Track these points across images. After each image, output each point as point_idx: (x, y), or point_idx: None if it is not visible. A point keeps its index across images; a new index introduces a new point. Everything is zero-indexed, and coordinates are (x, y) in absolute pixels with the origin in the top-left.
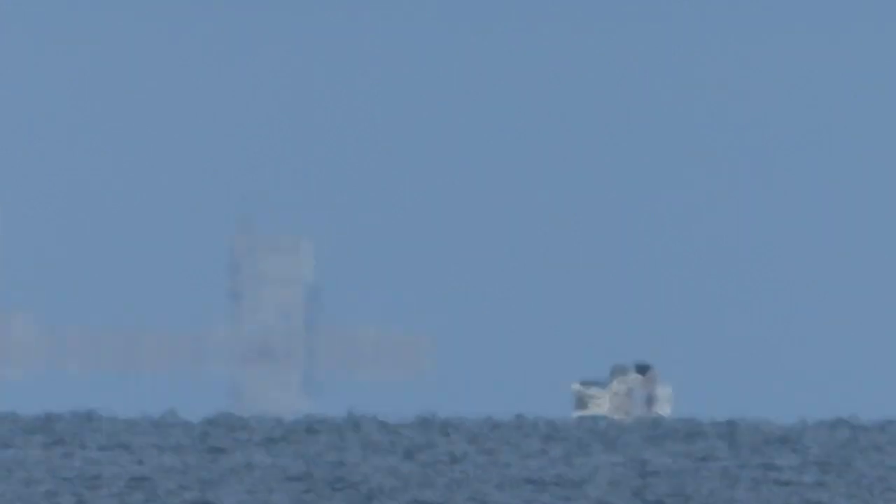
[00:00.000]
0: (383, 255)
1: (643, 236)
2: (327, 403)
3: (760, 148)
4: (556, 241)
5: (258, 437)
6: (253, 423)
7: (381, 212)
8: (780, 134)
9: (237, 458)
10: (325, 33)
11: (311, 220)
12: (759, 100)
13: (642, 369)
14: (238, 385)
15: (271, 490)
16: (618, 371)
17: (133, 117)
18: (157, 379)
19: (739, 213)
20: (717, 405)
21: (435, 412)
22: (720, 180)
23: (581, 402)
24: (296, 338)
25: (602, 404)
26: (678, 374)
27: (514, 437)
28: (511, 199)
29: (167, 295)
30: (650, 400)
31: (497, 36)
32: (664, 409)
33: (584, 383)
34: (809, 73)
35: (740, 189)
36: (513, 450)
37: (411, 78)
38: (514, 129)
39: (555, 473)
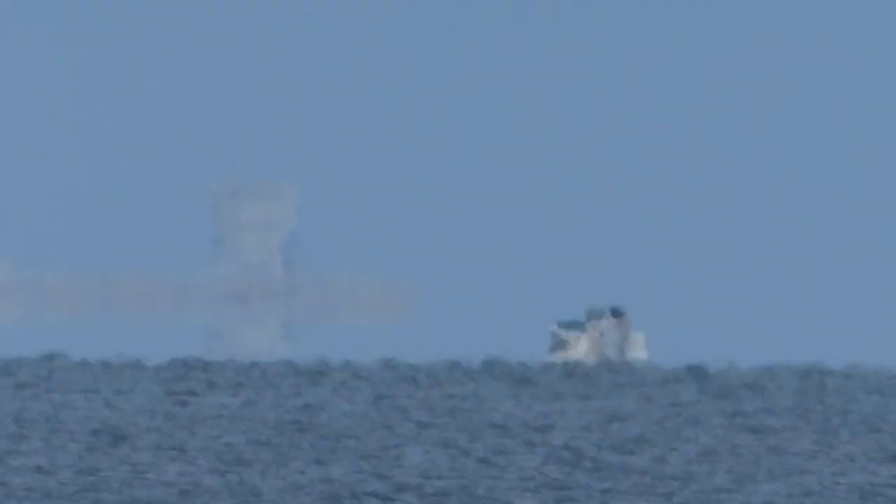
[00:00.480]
0: (365, 203)
1: (620, 188)
2: (305, 348)
3: (731, 113)
4: (534, 189)
5: (229, 380)
6: (225, 366)
7: (363, 161)
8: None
9: (207, 401)
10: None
11: (294, 166)
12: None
13: (617, 313)
14: (216, 328)
15: (239, 433)
16: (593, 315)
17: (119, 66)
18: (137, 322)
19: (713, 168)
20: (688, 351)
21: (407, 358)
22: (693, 139)
23: (558, 345)
24: (275, 283)
25: (579, 347)
26: (652, 320)
27: (484, 381)
28: (490, 150)
29: (149, 239)
30: (624, 344)
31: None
32: (638, 354)
33: (562, 325)
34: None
35: (715, 146)
36: (481, 395)
37: (401, 38)
38: (495, 90)
39: (521, 419)
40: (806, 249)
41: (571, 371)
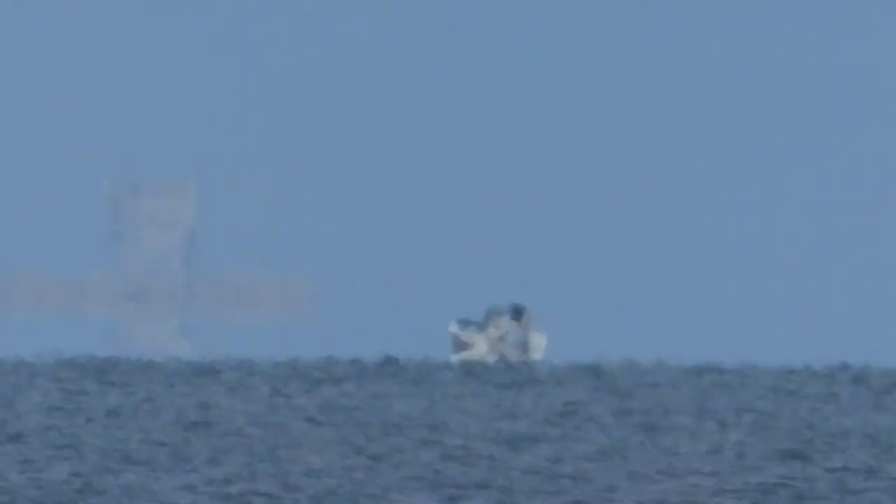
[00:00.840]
0: (265, 201)
1: (520, 186)
2: (203, 346)
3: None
4: (434, 186)
5: (126, 379)
6: (121, 364)
7: (263, 158)
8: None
9: (102, 400)
10: None
11: (194, 163)
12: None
13: (517, 313)
14: (115, 328)
15: (134, 432)
16: (493, 314)
17: (12, 61)
18: (35, 320)
19: (612, 167)
20: (589, 350)
21: (306, 356)
22: (595, 141)
23: (459, 345)
24: (174, 281)
25: (479, 347)
26: (553, 319)
27: (381, 381)
28: (388, 146)
29: (46, 237)
30: (524, 344)
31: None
32: (538, 354)
33: (462, 324)
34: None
35: (615, 148)
36: (377, 394)
37: (300, 33)
38: (391, 82)
39: (417, 418)
40: (710, 248)
41: (469, 370)
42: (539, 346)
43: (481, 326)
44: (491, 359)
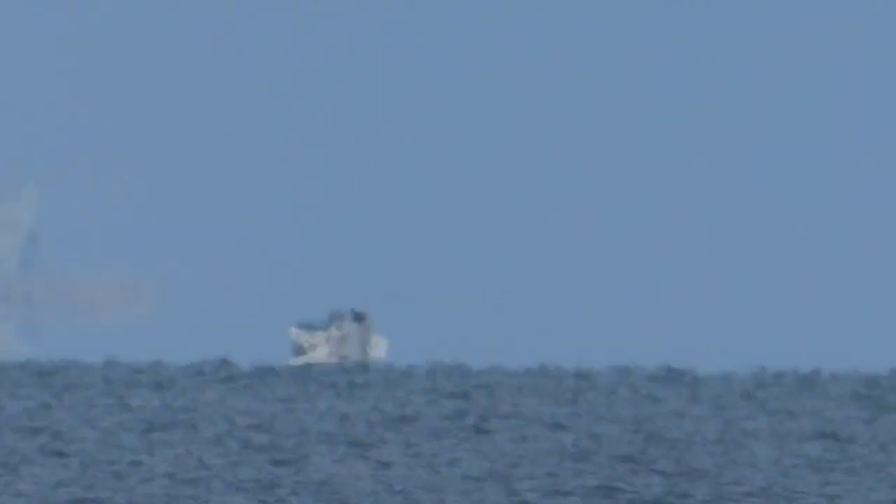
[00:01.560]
0: (105, 203)
1: (361, 190)
2: (43, 349)
3: None
4: (275, 189)
5: None
6: None
7: (102, 161)
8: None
9: None
10: None
11: (33, 166)
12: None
13: (358, 317)
14: None
15: None
16: (335, 317)
17: None
18: None
19: (452, 175)
20: (431, 353)
21: (145, 358)
22: (433, 145)
23: (300, 348)
24: (13, 283)
25: (321, 349)
26: (395, 322)
27: (217, 383)
28: (232, 147)
29: None
30: (365, 346)
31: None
32: (379, 356)
33: (303, 327)
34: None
35: (460, 152)
36: (212, 396)
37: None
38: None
39: (247, 420)
40: (558, 250)
41: (308, 373)
42: (379, 348)
43: (323, 330)
44: (332, 361)
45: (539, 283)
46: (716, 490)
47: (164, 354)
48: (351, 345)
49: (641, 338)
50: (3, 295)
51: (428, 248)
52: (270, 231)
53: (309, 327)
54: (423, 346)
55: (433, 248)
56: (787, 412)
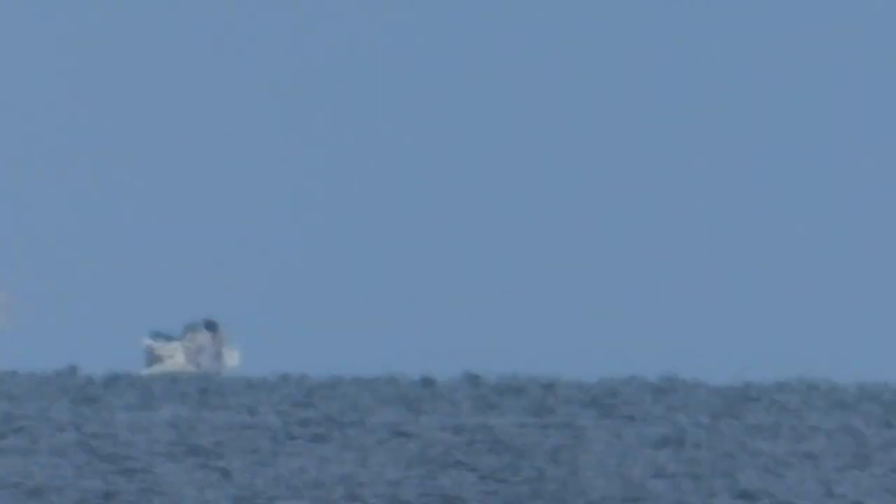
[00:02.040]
0: None
1: (215, 198)
2: None
3: None
4: (125, 198)
5: None
6: None
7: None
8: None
9: None
10: None
11: None
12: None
13: (211, 326)
14: None
15: None
16: (188, 328)
17: None
18: None
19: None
20: (288, 363)
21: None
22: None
23: (153, 358)
24: None
25: (175, 360)
26: (249, 332)
27: (56, 395)
28: (75, 162)
29: None
30: (219, 357)
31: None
32: (232, 365)
33: (157, 337)
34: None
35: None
36: (60, 404)
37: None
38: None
39: (97, 426)
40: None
41: (156, 382)
42: (233, 358)
43: (177, 340)
44: (186, 371)
45: (410, 290)
46: (560, 499)
47: (14, 364)
48: (204, 355)
49: (531, 344)
50: None
51: (288, 258)
52: (122, 238)
53: (163, 337)
54: (279, 356)
55: (294, 257)
56: (634, 418)
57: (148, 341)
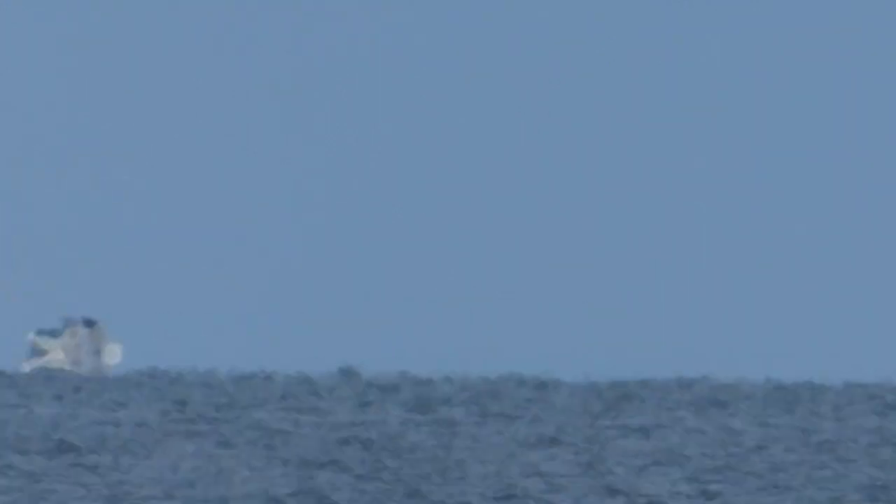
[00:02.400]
0: None
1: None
2: None
3: None
4: (23, 201)
5: None
6: None
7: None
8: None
9: None
10: None
11: None
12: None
13: (89, 323)
14: None
15: None
16: (69, 324)
17: None
18: None
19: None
20: (165, 359)
21: None
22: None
23: (34, 353)
24: None
25: (55, 355)
26: (130, 328)
27: None
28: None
29: None
30: (98, 353)
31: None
32: (113, 362)
33: (41, 333)
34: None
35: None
36: None
37: None
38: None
39: None
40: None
41: (33, 378)
42: (114, 354)
43: (57, 335)
44: (67, 366)
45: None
46: (435, 498)
47: None
48: (83, 351)
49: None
50: None
51: (176, 257)
52: (7, 238)
53: (47, 333)
54: (162, 352)
55: (179, 252)
56: (511, 417)
57: (31, 336)
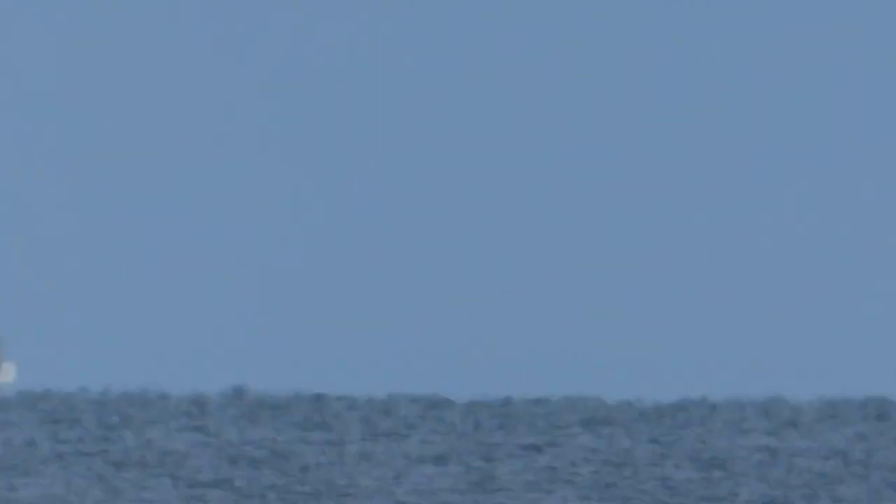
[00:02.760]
0: None
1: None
2: None
3: None
4: None
5: None
6: None
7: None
8: None
9: None
10: None
11: None
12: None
13: None
14: None
15: None
16: None
17: None
18: None
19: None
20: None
21: None
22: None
23: None
24: None
25: None
26: (27, 347)
27: None
28: None
29: None
30: None
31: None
32: (6, 380)
33: None
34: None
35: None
36: None
37: None
38: None
39: None
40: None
41: None
42: (7, 372)
43: None
44: None
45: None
46: None
47: None
48: None
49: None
50: None
51: (64, 273)
52: None
53: None
54: (59, 371)
55: (68, 272)
56: (404, 436)
57: None
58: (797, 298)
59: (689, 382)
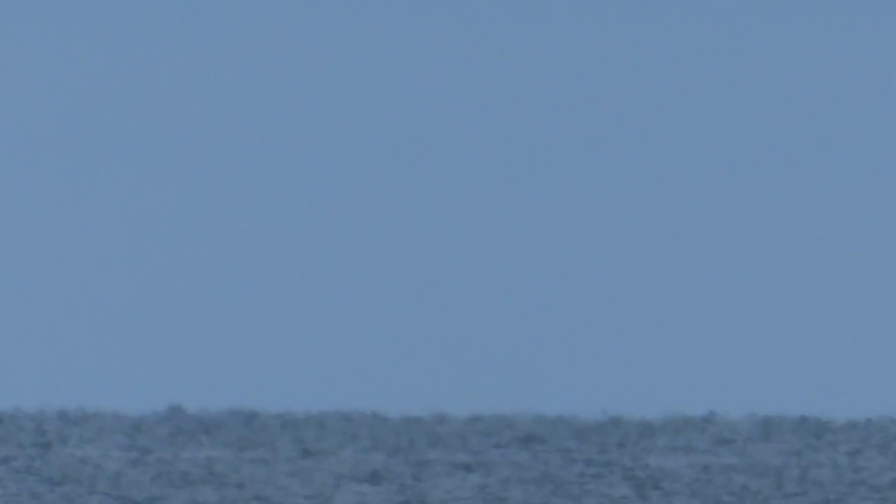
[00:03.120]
0: None
1: None
2: None
3: None
4: None
5: None
6: None
7: None
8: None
9: None
10: None
11: None
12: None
13: None
14: None
15: None
16: None
17: None
18: None
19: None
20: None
21: None
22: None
23: None
24: None
25: None
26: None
27: None
28: None
29: None
30: None
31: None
32: None
33: None
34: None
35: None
36: None
37: None
38: None
39: None
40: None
41: None
42: None
43: None
44: None
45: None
46: None
47: None
48: None
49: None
50: None
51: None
52: None
53: None
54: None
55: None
56: (328, 454)
57: None
58: (733, 317)
59: (625, 400)
